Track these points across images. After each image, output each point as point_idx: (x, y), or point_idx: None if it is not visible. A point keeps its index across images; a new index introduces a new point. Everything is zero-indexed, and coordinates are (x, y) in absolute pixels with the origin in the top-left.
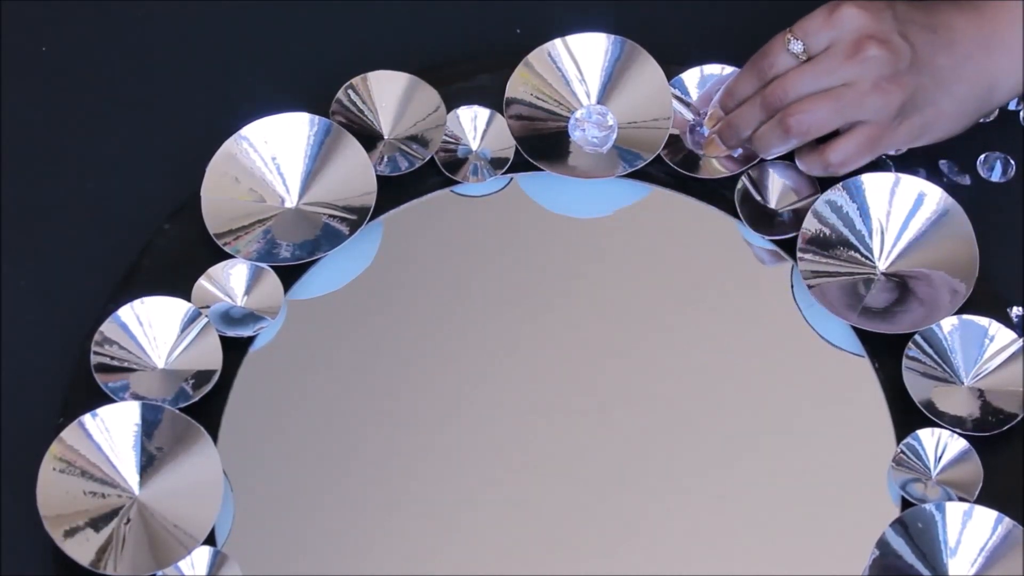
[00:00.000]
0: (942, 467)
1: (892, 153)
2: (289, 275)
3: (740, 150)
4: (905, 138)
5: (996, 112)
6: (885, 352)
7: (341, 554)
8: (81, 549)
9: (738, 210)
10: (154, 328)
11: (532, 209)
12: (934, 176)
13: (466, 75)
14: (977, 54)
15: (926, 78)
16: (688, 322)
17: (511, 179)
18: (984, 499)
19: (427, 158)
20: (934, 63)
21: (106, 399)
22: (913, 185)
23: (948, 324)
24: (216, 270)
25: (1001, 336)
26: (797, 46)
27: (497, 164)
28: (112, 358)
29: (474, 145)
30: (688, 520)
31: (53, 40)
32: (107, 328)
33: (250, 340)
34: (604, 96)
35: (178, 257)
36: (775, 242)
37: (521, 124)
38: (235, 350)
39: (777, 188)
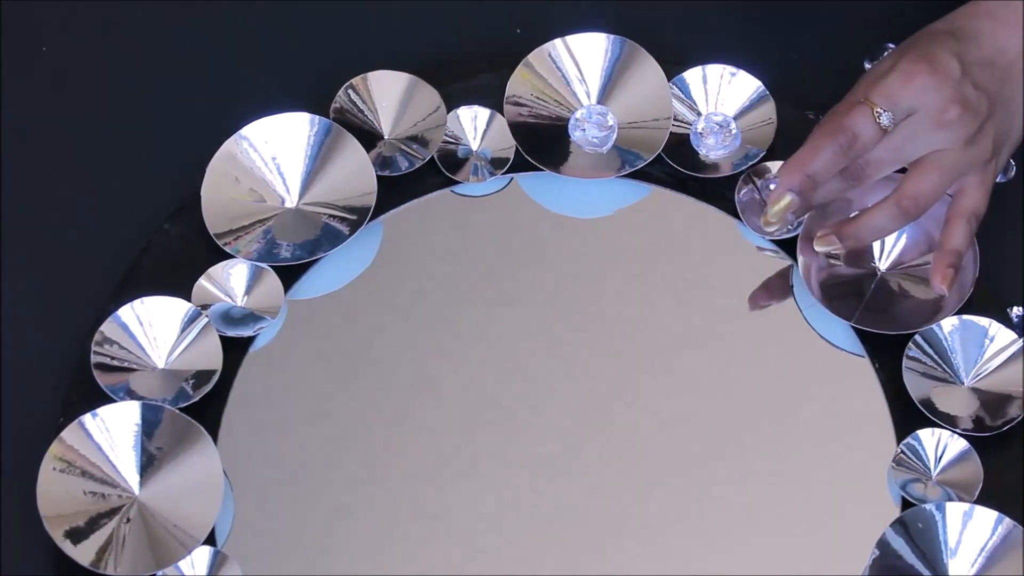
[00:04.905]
0: (942, 467)
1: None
2: (289, 275)
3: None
4: (998, 168)
5: None
6: (885, 352)
7: (341, 554)
8: (81, 549)
9: (738, 210)
10: (154, 328)
11: (532, 209)
12: None
13: (466, 75)
14: None
15: (1001, 113)
16: (688, 322)
17: (511, 179)
18: (984, 499)
19: (427, 158)
20: (1001, 97)
21: (106, 399)
22: None
23: (948, 324)
24: (216, 270)
25: (1001, 336)
26: (887, 118)
27: (497, 164)
28: (112, 358)
29: (474, 145)
30: (688, 520)
31: (53, 40)
32: (107, 328)
33: (250, 340)
34: (604, 96)
35: (178, 257)
36: (775, 242)
37: (521, 124)
38: (235, 350)
39: None
